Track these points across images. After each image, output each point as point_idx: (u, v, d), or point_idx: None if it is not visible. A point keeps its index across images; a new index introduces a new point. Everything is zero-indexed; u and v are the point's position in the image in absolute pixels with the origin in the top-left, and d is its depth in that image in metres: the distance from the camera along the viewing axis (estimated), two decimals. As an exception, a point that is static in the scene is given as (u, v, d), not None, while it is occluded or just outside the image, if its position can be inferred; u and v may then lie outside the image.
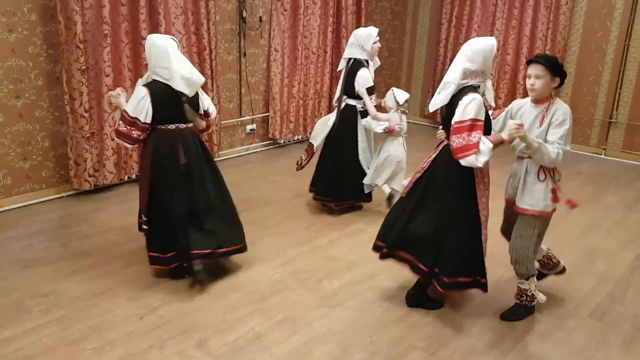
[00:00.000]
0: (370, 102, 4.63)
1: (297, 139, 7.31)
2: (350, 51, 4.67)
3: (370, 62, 4.70)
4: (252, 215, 4.65)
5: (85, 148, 4.99)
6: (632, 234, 4.71)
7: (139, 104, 3.41)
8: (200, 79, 3.56)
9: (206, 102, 3.76)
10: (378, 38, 4.65)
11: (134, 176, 5.56)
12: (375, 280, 3.83)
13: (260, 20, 6.47)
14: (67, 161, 5.10)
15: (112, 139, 5.17)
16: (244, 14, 6.26)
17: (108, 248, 4.18)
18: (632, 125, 6.84)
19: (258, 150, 6.95)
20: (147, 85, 3.48)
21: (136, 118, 3.43)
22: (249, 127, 6.76)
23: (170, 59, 3.44)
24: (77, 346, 3.02)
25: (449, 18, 7.98)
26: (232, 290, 3.63)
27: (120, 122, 3.47)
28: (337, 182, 4.75)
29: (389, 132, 4.68)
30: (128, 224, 4.60)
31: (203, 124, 3.74)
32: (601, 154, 7.10)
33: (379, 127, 4.68)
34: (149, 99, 3.41)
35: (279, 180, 5.83)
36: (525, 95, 7.35)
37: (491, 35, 7.54)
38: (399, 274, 3.91)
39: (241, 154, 6.72)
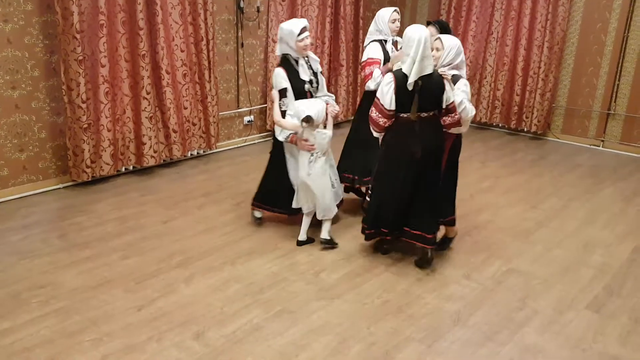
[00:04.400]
0: (277, 106, 4.01)
1: (295, 130, 7.28)
2: (279, 47, 4.12)
3: (301, 59, 4.09)
4: (249, 208, 4.62)
5: (82, 139, 4.96)
6: (630, 227, 4.71)
7: None
8: None
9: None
10: (306, 34, 4.00)
11: (131, 167, 5.55)
12: (373, 272, 3.83)
13: (258, 11, 6.43)
14: (64, 152, 5.09)
15: (109, 130, 5.16)
16: (242, 4, 6.22)
17: (106, 239, 4.17)
18: (630, 117, 6.83)
19: (255, 142, 6.93)
20: None
21: None
22: (246, 118, 6.74)
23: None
24: (76, 338, 3.02)
25: (447, 9, 7.94)
26: (230, 282, 3.63)
27: None
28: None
29: (293, 144, 4.03)
30: (125, 216, 4.59)
31: None
32: (599, 146, 7.09)
33: (281, 135, 4.06)
34: None
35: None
36: (524, 85, 7.34)
37: (490, 26, 7.52)
38: (396, 266, 3.92)
39: (239, 145, 6.71)
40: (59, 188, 5.12)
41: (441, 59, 3.68)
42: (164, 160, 5.78)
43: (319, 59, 4.29)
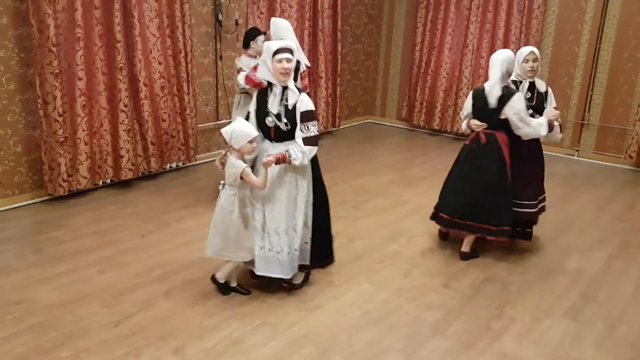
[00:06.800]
0: None
1: (275, 142, 7.28)
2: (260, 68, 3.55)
3: (277, 87, 3.44)
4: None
5: (59, 153, 4.91)
6: (604, 234, 4.80)
7: None
8: None
9: None
10: (285, 56, 3.34)
11: (108, 181, 5.50)
12: (353, 283, 3.84)
13: (237, 24, 6.45)
14: (40, 166, 5.02)
15: (86, 143, 5.11)
16: (220, 17, 6.23)
17: (82, 254, 4.11)
18: (604, 127, 6.98)
19: (235, 153, 6.90)
20: None
21: None
22: (225, 130, 6.72)
23: None
24: (51, 355, 2.97)
25: (424, 22, 8.05)
26: (209, 296, 3.60)
27: None
28: None
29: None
30: (103, 230, 4.54)
31: None
32: (574, 155, 7.23)
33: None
34: None
35: (256, 183, 5.79)
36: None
37: (465, 39, 7.64)
38: (376, 277, 3.93)
39: (218, 157, 6.68)
40: (35, 202, 5.05)
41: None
42: (142, 173, 5.73)
43: (299, 94, 3.40)
